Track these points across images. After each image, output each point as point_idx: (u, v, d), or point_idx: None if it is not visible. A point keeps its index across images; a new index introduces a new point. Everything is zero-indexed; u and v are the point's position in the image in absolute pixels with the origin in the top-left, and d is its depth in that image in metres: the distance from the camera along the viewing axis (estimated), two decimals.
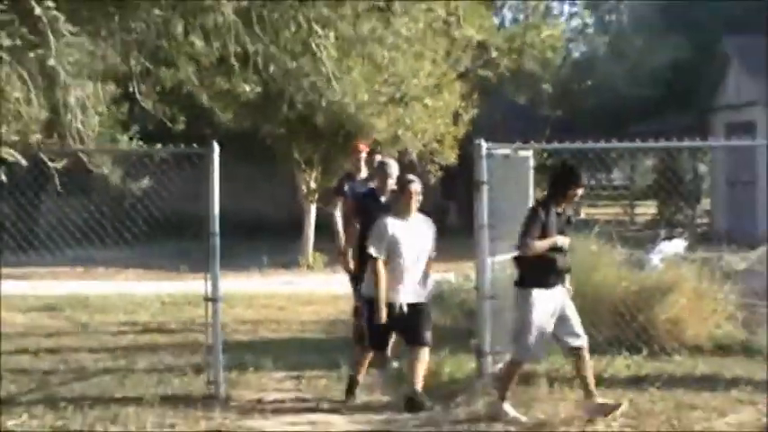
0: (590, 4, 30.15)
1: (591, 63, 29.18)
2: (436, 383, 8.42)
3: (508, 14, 25.64)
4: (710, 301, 10.00)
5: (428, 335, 8.01)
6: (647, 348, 9.49)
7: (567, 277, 7.86)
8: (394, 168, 9.11)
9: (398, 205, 8.11)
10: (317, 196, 18.72)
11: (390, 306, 7.88)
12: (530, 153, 9.59)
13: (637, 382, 8.50)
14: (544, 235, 7.47)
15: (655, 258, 12.94)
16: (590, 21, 30.39)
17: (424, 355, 7.98)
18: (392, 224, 8.00)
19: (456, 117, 17.92)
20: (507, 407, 7.58)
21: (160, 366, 9.48)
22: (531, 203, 9.67)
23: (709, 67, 25.34)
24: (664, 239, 14.82)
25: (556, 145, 9.07)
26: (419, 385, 7.85)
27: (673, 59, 26.45)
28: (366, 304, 8.09)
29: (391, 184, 8.91)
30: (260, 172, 23.07)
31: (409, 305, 7.94)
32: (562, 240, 7.60)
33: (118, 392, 8.41)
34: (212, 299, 8.22)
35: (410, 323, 7.96)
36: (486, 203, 8.63)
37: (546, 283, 7.56)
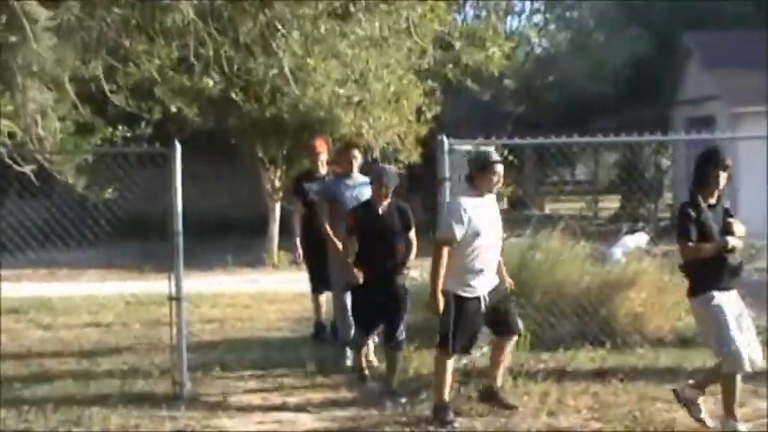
0: (550, 3, 30.27)
1: (553, 59, 29.31)
2: (402, 379, 8.44)
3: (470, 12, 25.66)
4: (672, 293, 10.06)
5: (519, 321, 7.72)
6: (610, 341, 9.56)
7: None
8: (393, 178, 8.28)
9: (478, 183, 7.30)
10: (281, 194, 18.68)
11: (472, 300, 7.29)
12: (492, 149, 9.63)
13: (600, 374, 8.56)
14: (703, 234, 6.81)
15: (617, 252, 13.07)
16: (551, 16, 30.53)
17: (511, 345, 7.76)
18: (469, 203, 7.26)
19: (419, 114, 17.94)
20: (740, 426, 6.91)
21: (124, 367, 9.41)
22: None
23: (670, 63, 25.57)
24: (626, 234, 14.96)
25: (517, 140, 9.14)
26: (500, 380, 7.74)
27: (634, 55, 26.67)
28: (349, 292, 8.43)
29: (388, 193, 8.22)
30: (225, 170, 22.97)
31: (489, 292, 7.45)
32: (733, 242, 6.78)
33: (81, 394, 8.35)
34: (176, 298, 8.18)
35: (497, 311, 7.51)
36: (448, 199, 8.65)
37: (721, 286, 6.83)
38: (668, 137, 16.08)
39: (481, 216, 7.21)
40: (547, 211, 29.97)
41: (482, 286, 7.33)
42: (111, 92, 10.13)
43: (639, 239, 14.57)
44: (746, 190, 19.60)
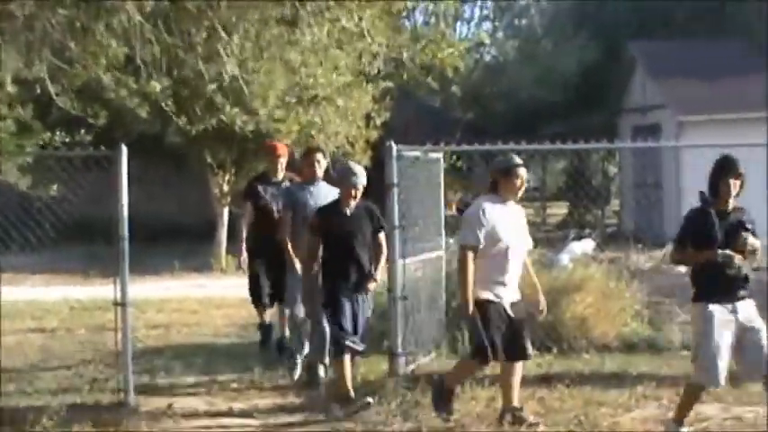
0: (500, 9, 30.45)
1: (502, 66, 29.48)
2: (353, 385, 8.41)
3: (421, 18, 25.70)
4: (618, 299, 10.18)
5: (530, 346, 7.35)
6: (556, 347, 9.63)
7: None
8: (361, 177, 7.88)
9: (502, 189, 7.13)
10: (229, 199, 18.58)
11: (497, 304, 7.04)
12: (440, 155, 9.70)
13: (546, 380, 8.59)
14: (707, 241, 6.67)
15: (564, 258, 13.17)
16: (500, 24, 30.72)
17: (521, 368, 7.38)
18: (491, 208, 7.08)
19: (368, 119, 17.95)
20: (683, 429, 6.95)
21: (68, 373, 9.29)
22: (442, 205, 9.84)
23: (617, 71, 25.84)
24: (573, 240, 15.08)
25: (465, 147, 9.18)
26: (516, 399, 7.38)
27: (582, 63, 26.90)
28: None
29: (358, 195, 7.89)
30: (173, 175, 22.79)
31: (511, 305, 7.15)
32: (726, 256, 6.60)
33: (23, 401, 8.22)
34: (121, 304, 8.08)
35: (511, 331, 7.14)
36: (396, 205, 8.67)
37: (721, 299, 6.71)
38: (615, 144, 16.22)
39: (503, 222, 7.05)
40: None
41: (505, 294, 7.11)
42: (57, 94, 9.98)
43: (586, 246, 14.72)
44: (691, 198, 19.92)
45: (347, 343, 7.73)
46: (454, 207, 30.25)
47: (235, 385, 8.84)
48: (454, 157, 11.49)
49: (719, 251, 6.63)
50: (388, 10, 10.69)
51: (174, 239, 21.19)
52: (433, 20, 21.27)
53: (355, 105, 17.06)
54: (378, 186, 8.67)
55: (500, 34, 30.69)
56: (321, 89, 16.01)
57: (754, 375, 6.90)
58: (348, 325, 7.74)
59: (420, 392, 8.02)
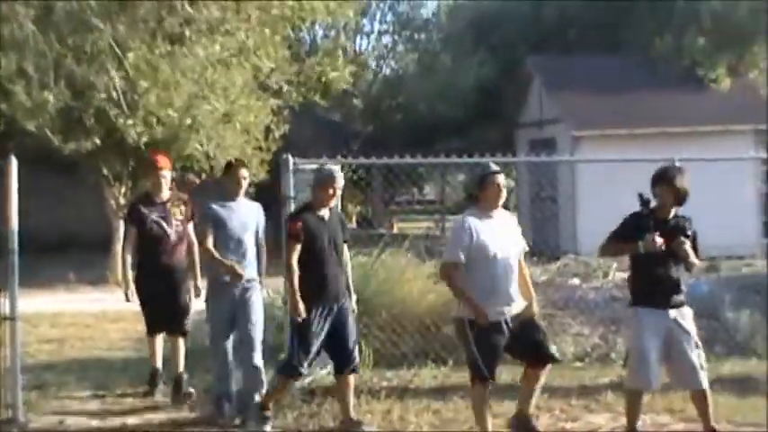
0: (399, 23, 30.69)
1: (401, 80, 29.69)
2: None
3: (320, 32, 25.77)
4: None
5: (553, 348, 7.22)
6: (452, 359, 9.67)
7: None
8: (341, 179, 7.63)
9: (482, 199, 6.98)
10: (125, 212, 18.29)
11: (494, 325, 6.82)
12: (337, 168, 9.72)
13: (442, 391, 8.66)
14: (635, 239, 6.84)
15: None
16: (400, 38, 30.94)
17: (544, 376, 7.24)
18: (473, 221, 6.91)
19: (267, 132, 17.90)
20: None
21: None
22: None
23: (514, 86, 26.24)
24: None
25: (362, 160, 9.28)
26: (533, 408, 7.30)
27: (479, 78, 27.27)
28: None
29: (336, 197, 7.57)
30: (68, 186, 22.37)
31: (513, 317, 6.95)
32: (644, 243, 6.77)
33: None
34: (10, 318, 7.91)
35: (524, 339, 7.01)
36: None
37: (655, 303, 6.90)
38: (512, 158, 16.44)
39: (489, 233, 6.85)
40: (394, 230, 30.28)
41: (497, 307, 6.85)
42: None
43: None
44: (585, 211, 20.34)
45: (302, 371, 7.48)
46: (354, 219, 30.43)
47: (129, 400, 8.73)
48: (351, 170, 11.54)
49: (641, 242, 6.79)
50: (283, 24, 10.72)
51: (68, 252, 20.80)
52: (332, 33, 21.39)
53: (254, 119, 16.99)
54: (275, 199, 8.67)
55: (400, 48, 30.92)
56: (219, 103, 15.92)
57: (682, 383, 7.11)
58: (314, 348, 7.40)
59: (316, 405, 8.03)
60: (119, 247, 18.51)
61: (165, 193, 8.66)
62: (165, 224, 8.54)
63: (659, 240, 6.80)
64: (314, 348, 7.40)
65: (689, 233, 6.96)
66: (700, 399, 6.99)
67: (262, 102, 17.21)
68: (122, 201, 18.45)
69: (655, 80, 23.19)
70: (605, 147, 19.21)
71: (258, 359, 7.84)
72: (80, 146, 15.64)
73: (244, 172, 8.12)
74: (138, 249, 8.57)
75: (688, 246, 6.88)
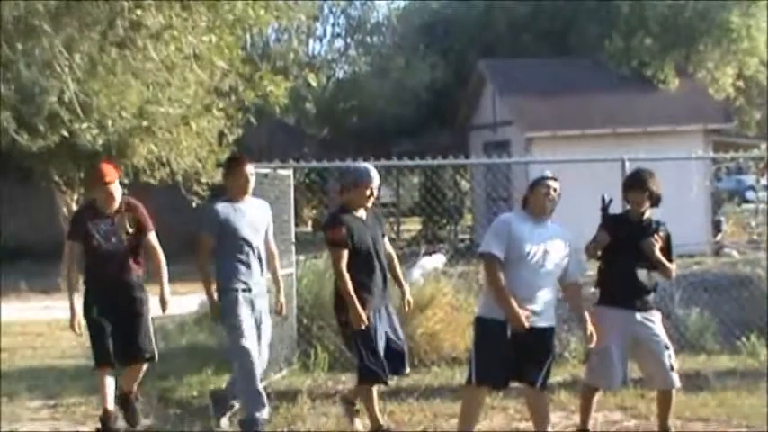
0: (352, 27, 30.68)
1: (354, 83, 29.65)
2: (201, 403, 8.33)
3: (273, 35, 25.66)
4: (467, 312, 10.32)
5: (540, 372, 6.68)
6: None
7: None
8: (377, 177, 7.20)
9: (529, 204, 6.73)
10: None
11: (502, 324, 6.49)
12: (290, 172, 9.72)
13: (396, 394, 8.62)
14: (613, 243, 6.87)
15: (416, 273, 13.30)
16: (353, 41, 30.91)
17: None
18: (515, 223, 6.66)
19: (221, 137, 17.79)
20: None
21: None
22: (293, 222, 9.85)
23: (467, 89, 26.35)
24: (425, 255, 15.25)
25: (314, 164, 9.23)
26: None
27: (433, 81, 27.34)
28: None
29: (372, 199, 7.17)
30: (19, 192, 22.13)
31: (534, 328, 6.54)
32: (602, 238, 6.84)
33: None
34: None
35: (531, 353, 6.62)
36: None
37: (620, 303, 6.91)
38: (467, 160, 16.53)
39: (529, 238, 6.55)
40: None
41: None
42: None
43: (437, 260, 14.88)
44: None
45: (381, 375, 7.11)
46: (310, 223, 30.37)
47: (82, 408, 8.62)
48: (303, 174, 11.55)
49: (642, 243, 6.83)
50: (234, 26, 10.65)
51: (21, 260, 20.56)
52: (285, 36, 21.33)
53: (207, 122, 16.88)
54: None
55: (352, 51, 30.88)
56: (172, 107, 15.78)
57: (655, 383, 7.10)
58: (381, 349, 7.08)
59: (272, 409, 7.99)
60: None
61: (114, 205, 7.46)
62: (114, 238, 7.43)
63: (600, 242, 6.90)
64: (380, 349, 7.09)
65: (661, 233, 7.01)
66: (666, 398, 7.04)
67: (215, 105, 17.10)
68: (75, 207, 18.28)
69: (605, 82, 23.44)
70: (557, 147, 19.33)
71: (260, 385, 7.28)
72: (32, 144, 15.37)
73: (250, 168, 7.41)
74: (86, 267, 7.51)
75: (657, 247, 6.92)
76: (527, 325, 6.40)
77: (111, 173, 7.46)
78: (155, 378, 8.87)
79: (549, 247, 6.61)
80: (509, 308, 6.41)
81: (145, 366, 7.72)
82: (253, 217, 7.35)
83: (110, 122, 14.93)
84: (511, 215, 6.84)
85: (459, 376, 9.38)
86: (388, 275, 7.35)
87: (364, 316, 6.93)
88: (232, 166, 7.50)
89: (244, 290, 7.21)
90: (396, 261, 7.48)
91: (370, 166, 7.30)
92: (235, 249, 7.22)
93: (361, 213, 7.16)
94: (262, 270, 7.42)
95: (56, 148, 16.41)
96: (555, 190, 6.64)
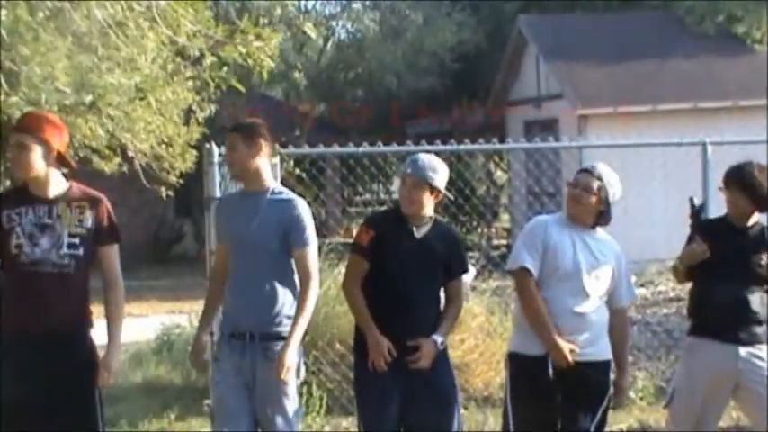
0: None
1: (359, 46, 29.59)
2: None
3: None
4: (502, 339, 10.29)
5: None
6: None
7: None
8: (442, 173, 6.52)
9: (567, 206, 6.64)
10: None
11: (541, 361, 6.35)
12: (277, 160, 9.67)
13: None
14: (711, 257, 6.66)
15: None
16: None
17: None
18: (552, 225, 6.56)
19: (189, 115, 17.78)
20: None
21: None
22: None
23: (503, 53, 26.28)
24: None
25: (307, 150, 9.24)
26: None
27: (459, 43, 27.29)
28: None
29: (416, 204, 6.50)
30: None
31: (582, 364, 6.38)
32: (687, 251, 6.71)
33: None
34: None
35: (580, 396, 6.46)
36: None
37: (720, 335, 6.67)
38: (504, 144, 16.48)
39: (570, 249, 6.45)
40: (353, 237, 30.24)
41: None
42: None
43: (466, 274, 14.88)
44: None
45: None
46: None
47: None
48: (293, 161, 11.45)
49: (685, 250, 6.72)
50: None
51: None
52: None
53: (171, 96, 16.87)
54: (200, 199, 8.57)
55: (356, 5, 30.76)
56: (125, 76, 15.78)
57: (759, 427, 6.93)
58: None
59: None
60: None
61: (51, 186, 5.81)
62: (44, 240, 5.73)
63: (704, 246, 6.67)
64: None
65: None
66: None
67: (181, 75, 17.09)
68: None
69: (682, 42, 23.33)
70: (619, 128, 19.28)
71: None
72: None
73: (265, 140, 6.74)
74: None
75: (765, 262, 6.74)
76: (571, 359, 6.29)
77: (35, 121, 5.92)
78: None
79: (595, 262, 6.51)
80: (548, 338, 6.30)
81: None
82: (277, 212, 6.46)
83: (43, 97, 14.93)
84: (549, 217, 6.72)
85: (494, 422, 9.38)
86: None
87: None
88: (251, 130, 6.94)
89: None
90: (459, 309, 6.94)
91: (436, 160, 6.63)
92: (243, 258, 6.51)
93: (417, 225, 6.57)
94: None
95: None
96: (589, 190, 6.45)
